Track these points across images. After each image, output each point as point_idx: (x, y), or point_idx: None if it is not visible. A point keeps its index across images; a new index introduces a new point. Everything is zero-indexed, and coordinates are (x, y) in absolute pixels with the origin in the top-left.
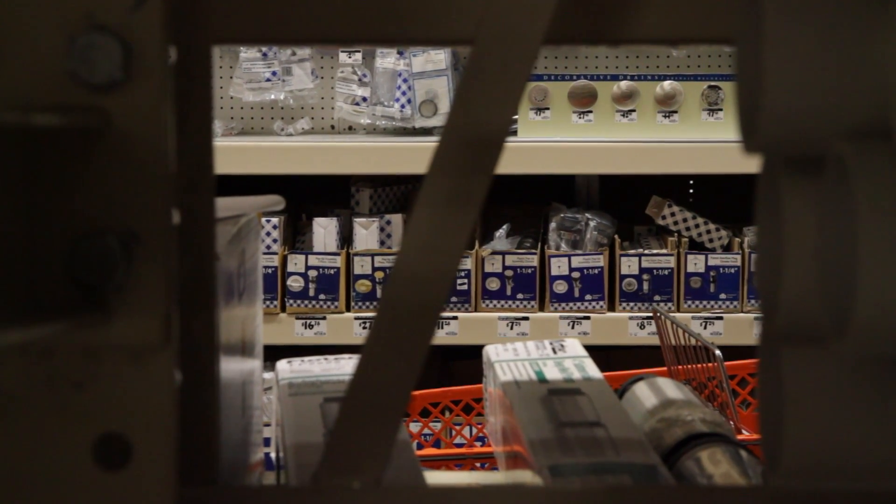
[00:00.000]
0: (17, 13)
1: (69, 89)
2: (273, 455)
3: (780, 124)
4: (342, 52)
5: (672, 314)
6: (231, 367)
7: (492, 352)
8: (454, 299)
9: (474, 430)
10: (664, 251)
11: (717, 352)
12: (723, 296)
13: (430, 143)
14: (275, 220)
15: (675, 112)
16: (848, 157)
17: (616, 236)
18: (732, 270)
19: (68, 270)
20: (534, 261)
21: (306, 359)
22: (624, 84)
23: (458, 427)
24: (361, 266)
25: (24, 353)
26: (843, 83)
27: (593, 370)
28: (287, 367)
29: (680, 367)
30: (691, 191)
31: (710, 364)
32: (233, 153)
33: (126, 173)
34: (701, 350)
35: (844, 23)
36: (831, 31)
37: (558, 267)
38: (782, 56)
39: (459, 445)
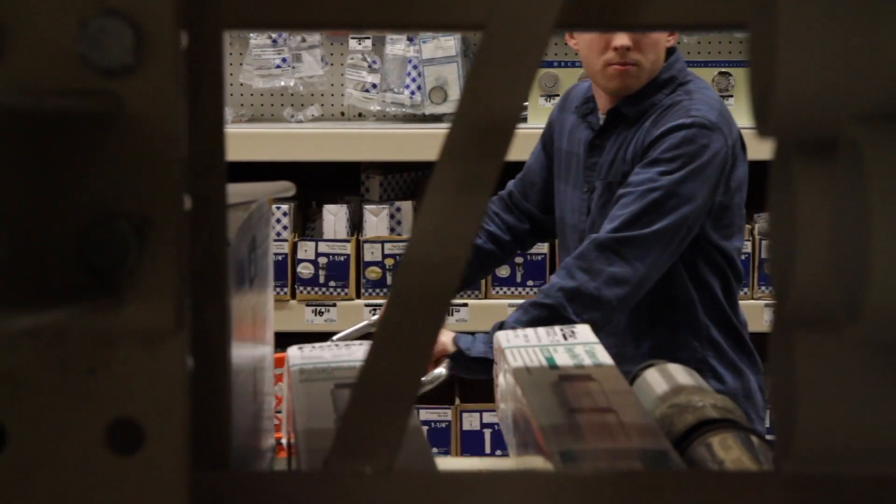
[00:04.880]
0: None
1: (81, 74)
2: (284, 441)
3: (794, 108)
4: (352, 38)
5: None
6: (242, 354)
7: (503, 338)
8: None
9: None
10: None
11: None
12: None
13: (440, 129)
14: (285, 206)
15: None
16: (862, 141)
17: None
18: (743, 257)
19: (80, 255)
20: (544, 248)
21: (317, 345)
22: None
23: None
24: (371, 253)
25: (36, 338)
26: (856, 66)
27: (604, 356)
28: (298, 353)
29: None
30: None
31: None
32: (243, 140)
33: (138, 158)
34: None
35: (858, 6)
36: (845, 15)
37: None
38: (796, 39)
39: None
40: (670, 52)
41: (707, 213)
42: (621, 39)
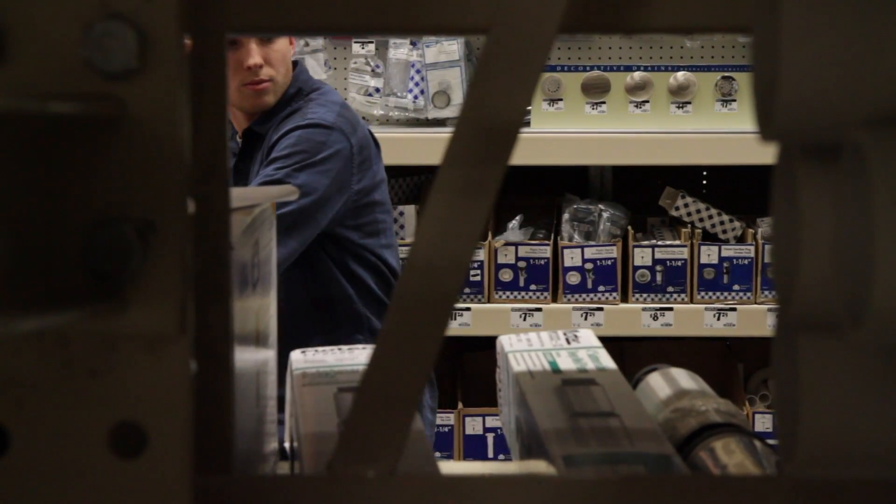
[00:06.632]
0: (34, 1)
1: (85, 77)
2: (287, 445)
3: (797, 111)
4: (355, 42)
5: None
6: (245, 357)
7: (505, 342)
8: (467, 290)
9: None
10: (677, 242)
11: None
12: (736, 287)
13: (443, 133)
14: None
15: (689, 103)
16: (865, 145)
17: (629, 227)
18: (746, 261)
19: (84, 259)
20: (547, 252)
21: (320, 349)
22: (637, 75)
23: None
24: None
25: (40, 341)
26: (860, 70)
27: (607, 361)
28: (301, 357)
29: None
30: (705, 182)
31: None
32: None
33: (141, 162)
34: None
35: (861, 9)
36: (848, 19)
37: (571, 258)
38: (799, 43)
39: None
40: (294, 65)
41: (339, 210)
42: (254, 58)
